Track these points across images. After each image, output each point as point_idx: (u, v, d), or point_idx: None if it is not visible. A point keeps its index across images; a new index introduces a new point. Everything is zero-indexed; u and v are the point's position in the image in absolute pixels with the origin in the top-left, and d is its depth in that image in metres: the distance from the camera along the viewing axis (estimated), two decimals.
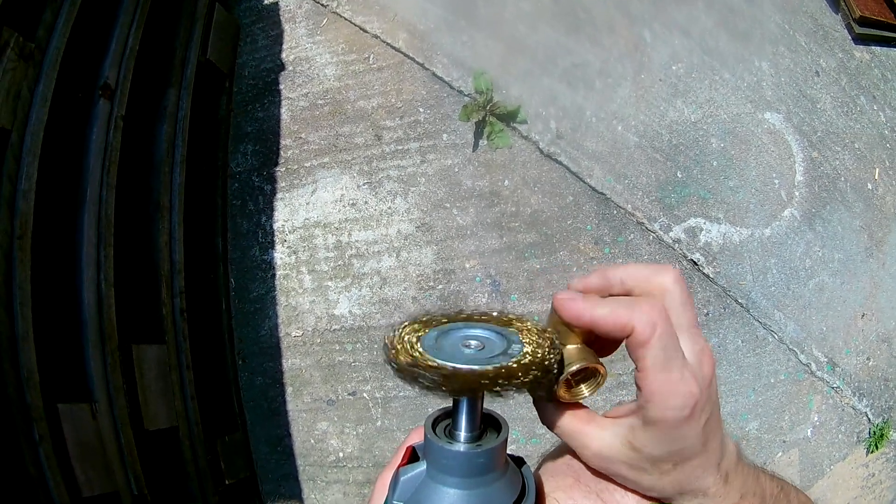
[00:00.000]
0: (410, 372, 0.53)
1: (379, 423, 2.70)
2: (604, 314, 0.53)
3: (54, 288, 2.06)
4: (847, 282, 2.84)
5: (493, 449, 0.56)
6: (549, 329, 0.58)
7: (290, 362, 2.78)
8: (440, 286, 2.74)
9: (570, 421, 0.60)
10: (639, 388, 0.53)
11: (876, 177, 2.95)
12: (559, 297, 0.56)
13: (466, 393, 0.55)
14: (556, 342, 0.57)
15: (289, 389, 2.77)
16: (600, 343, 0.60)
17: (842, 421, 2.76)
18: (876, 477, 2.79)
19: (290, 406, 2.76)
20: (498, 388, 0.53)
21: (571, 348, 0.58)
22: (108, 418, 2.08)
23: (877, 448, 2.73)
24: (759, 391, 2.69)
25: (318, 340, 2.77)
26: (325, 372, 2.75)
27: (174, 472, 2.35)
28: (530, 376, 0.53)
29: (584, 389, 0.59)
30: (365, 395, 2.72)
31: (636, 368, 0.53)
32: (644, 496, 0.60)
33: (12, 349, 1.81)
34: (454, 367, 0.51)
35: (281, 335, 2.80)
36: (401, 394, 2.70)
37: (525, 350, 0.54)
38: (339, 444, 2.72)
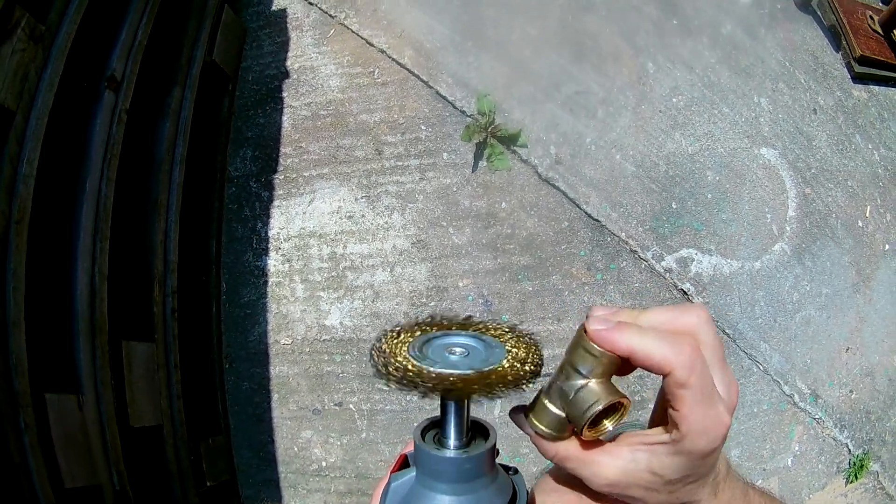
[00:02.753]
0: (398, 377, 0.54)
1: (364, 435, 2.69)
2: (645, 350, 0.53)
3: (48, 276, 2.04)
4: (833, 316, 2.88)
5: (480, 455, 0.57)
6: (526, 331, 0.60)
7: (277, 369, 2.77)
8: (432, 303, 2.75)
9: (578, 450, 0.60)
10: (675, 422, 0.54)
11: (867, 214, 3.01)
12: (594, 325, 0.55)
13: (454, 397, 0.56)
14: (538, 342, 0.59)
15: (275, 396, 2.75)
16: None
17: (822, 451, 2.78)
18: None
19: (275, 413, 2.74)
20: (486, 391, 0.54)
21: (594, 385, 0.56)
22: (95, 412, 2.05)
23: (856, 479, 2.75)
24: (742, 420, 2.71)
25: (307, 350, 2.76)
26: (313, 381, 2.74)
27: (156, 471, 2.32)
28: (519, 376, 0.55)
29: (608, 424, 0.59)
30: (351, 406, 2.71)
31: (672, 406, 0.54)
32: None
33: (2, 334, 1.79)
34: (441, 372, 0.53)
35: (270, 342, 2.78)
36: (387, 407, 2.69)
37: (509, 352, 0.56)
38: (322, 453, 2.70)
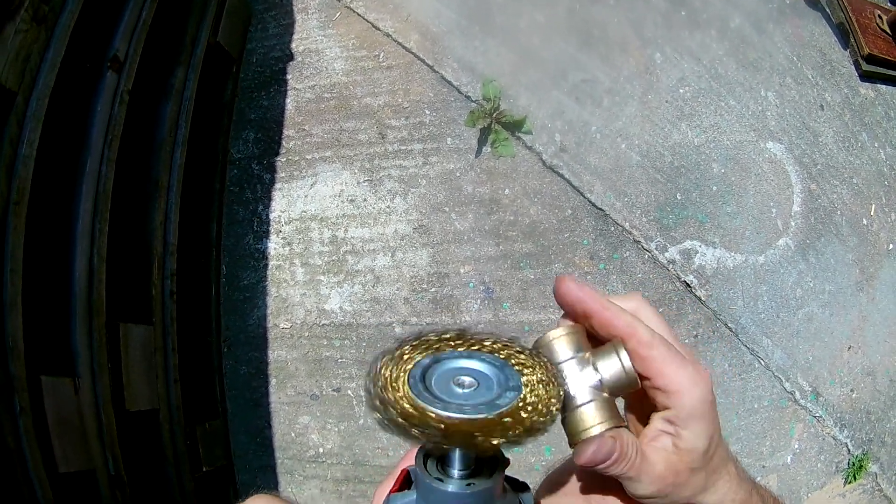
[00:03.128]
0: (394, 423, 0.48)
1: (361, 422, 2.68)
2: (610, 309, 0.56)
3: (46, 258, 2.01)
4: (836, 314, 2.87)
5: (485, 490, 0.52)
6: (551, 363, 0.55)
7: (275, 354, 2.75)
8: (433, 289, 2.73)
9: (636, 444, 0.57)
10: (662, 389, 0.55)
11: (872, 213, 3.00)
12: (565, 277, 0.58)
13: (455, 445, 0.50)
14: (563, 378, 0.55)
15: (273, 381, 2.73)
16: None
17: (822, 450, 2.78)
18: None
19: (273, 398, 2.73)
20: (493, 441, 0.48)
21: (594, 352, 0.56)
22: (90, 395, 2.03)
23: (855, 479, 2.75)
24: (742, 415, 2.71)
25: (307, 334, 2.74)
26: (311, 366, 2.72)
27: (152, 455, 2.31)
28: (529, 423, 0.48)
29: (630, 364, 0.56)
30: (349, 392, 2.69)
31: (647, 375, 0.55)
32: None
33: None
34: (442, 418, 0.47)
35: (269, 326, 2.76)
36: None
37: (525, 392, 0.50)
38: (319, 439, 2.69)
